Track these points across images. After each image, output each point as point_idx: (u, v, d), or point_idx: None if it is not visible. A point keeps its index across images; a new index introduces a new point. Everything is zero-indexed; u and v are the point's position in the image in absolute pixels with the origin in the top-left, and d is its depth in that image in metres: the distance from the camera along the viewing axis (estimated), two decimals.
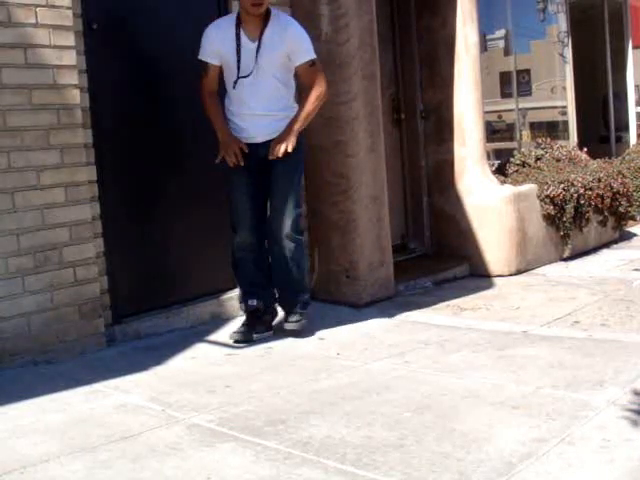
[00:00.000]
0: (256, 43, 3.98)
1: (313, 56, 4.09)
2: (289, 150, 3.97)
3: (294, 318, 4.15)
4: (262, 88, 4.02)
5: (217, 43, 4.02)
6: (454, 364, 3.53)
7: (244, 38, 3.99)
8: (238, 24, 4.01)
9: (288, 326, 4.13)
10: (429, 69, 6.14)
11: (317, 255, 5.04)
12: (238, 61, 3.98)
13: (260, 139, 4.05)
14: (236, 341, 4.00)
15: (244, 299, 4.20)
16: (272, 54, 3.99)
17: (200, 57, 4.06)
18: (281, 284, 4.23)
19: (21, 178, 3.62)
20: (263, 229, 4.14)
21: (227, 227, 4.63)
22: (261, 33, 3.98)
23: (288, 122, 4.04)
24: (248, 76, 3.99)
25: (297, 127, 4.05)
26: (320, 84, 4.10)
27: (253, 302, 4.12)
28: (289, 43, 4.01)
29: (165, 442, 2.69)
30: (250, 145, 4.05)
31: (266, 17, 4.02)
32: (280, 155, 3.97)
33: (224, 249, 4.63)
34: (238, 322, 4.41)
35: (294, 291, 4.21)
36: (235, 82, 4.01)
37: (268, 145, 4.03)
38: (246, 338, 4.02)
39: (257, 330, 4.10)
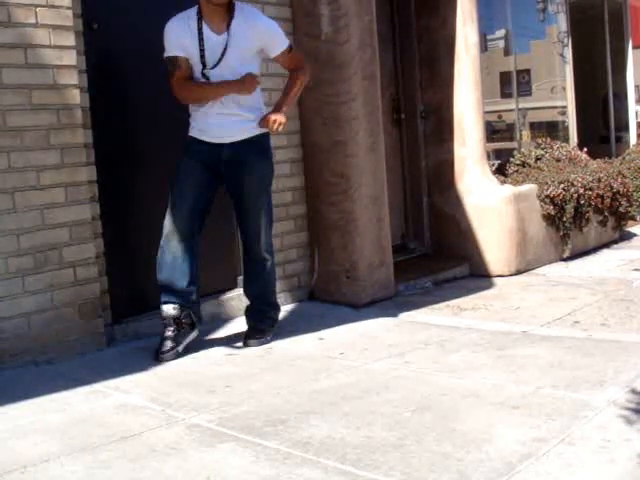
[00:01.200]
0: (222, 36, 3.78)
1: (288, 42, 3.97)
2: (282, 122, 3.84)
3: (258, 335, 4.03)
4: None
5: (182, 36, 3.78)
6: (454, 364, 3.53)
7: (207, 31, 3.78)
8: (200, 18, 3.79)
9: (250, 342, 3.99)
10: (429, 69, 6.14)
11: (317, 255, 5.04)
12: (202, 56, 3.78)
13: (227, 139, 3.86)
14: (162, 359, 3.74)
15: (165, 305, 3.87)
16: (240, 49, 3.80)
17: (167, 54, 3.78)
18: (257, 298, 4.14)
19: (21, 178, 3.62)
20: (196, 228, 3.93)
21: (226, 227, 4.63)
22: (228, 26, 3.79)
23: (265, 115, 3.87)
24: (212, 69, 3.78)
25: (286, 108, 3.91)
26: (304, 65, 4.03)
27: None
28: (262, 37, 3.86)
29: (165, 442, 2.69)
30: (215, 145, 3.85)
31: (230, 9, 3.83)
32: (280, 130, 3.88)
33: (224, 249, 4.64)
34: (238, 322, 4.42)
35: (268, 304, 4.16)
36: (201, 79, 3.81)
37: (234, 146, 3.85)
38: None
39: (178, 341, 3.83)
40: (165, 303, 3.84)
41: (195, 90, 3.85)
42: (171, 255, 3.84)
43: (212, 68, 3.79)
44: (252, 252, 4.07)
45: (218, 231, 4.56)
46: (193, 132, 3.92)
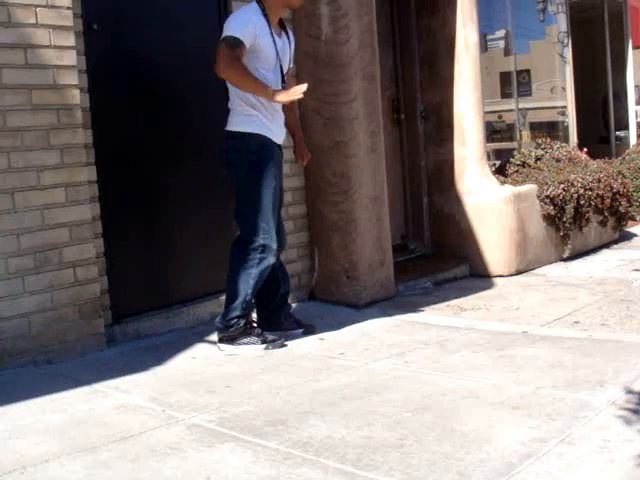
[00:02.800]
0: (282, 39, 3.99)
1: None
2: None
3: (298, 324, 4.18)
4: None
5: (257, 31, 3.84)
6: (454, 364, 3.53)
7: (275, 36, 3.93)
8: (268, 20, 3.90)
9: (301, 331, 4.16)
10: (429, 69, 6.14)
11: (317, 255, 5.04)
12: (279, 59, 3.93)
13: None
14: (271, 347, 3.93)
15: (250, 310, 3.99)
16: (289, 55, 4.06)
17: (238, 35, 3.74)
18: (286, 293, 4.21)
19: (21, 178, 3.62)
20: None
21: (227, 227, 4.62)
22: (285, 32, 4.03)
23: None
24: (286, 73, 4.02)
25: None
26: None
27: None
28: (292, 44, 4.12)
29: (165, 442, 2.69)
30: (279, 147, 4.04)
31: None
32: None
33: (224, 249, 4.63)
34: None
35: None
36: (283, 81, 3.96)
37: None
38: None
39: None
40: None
41: (247, 78, 3.78)
42: (271, 266, 3.94)
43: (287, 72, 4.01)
44: (283, 243, 4.13)
45: (219, 232, 4.57)
46: (265, 132, 3.91)
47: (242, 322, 3.89)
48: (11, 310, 3.57)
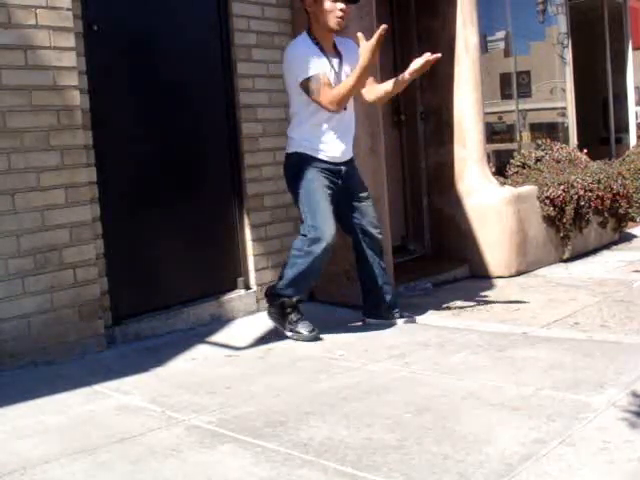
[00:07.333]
0: (336, 59, 4.13)
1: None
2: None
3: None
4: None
5: (317, 59, 4.01)
6: (454, 365, 3.53)
7: (330, 57, 4.09)
8: (317, 43, 4.08)
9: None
10: (429, 70, 6.12)
11: None
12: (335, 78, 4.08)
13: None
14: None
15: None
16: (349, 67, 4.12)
17: (312, 73, 3.96)
18: None
19: (21, 179, 3.62)
20: None
21: (227, 227, 4.64)
22: (338, 53, 4.15)
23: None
24: None
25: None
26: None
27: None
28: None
29: (165, 443, 2.68)
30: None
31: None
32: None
33: (224, 250, 4.64)
34: (238, 323, 4.43)
35: None
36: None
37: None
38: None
39: None
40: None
41: (350, 83, 3.97)
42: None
43: None
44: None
45: (219, 232, 4.57)
46: None
47: None
48: (11, 311, 3.57)
